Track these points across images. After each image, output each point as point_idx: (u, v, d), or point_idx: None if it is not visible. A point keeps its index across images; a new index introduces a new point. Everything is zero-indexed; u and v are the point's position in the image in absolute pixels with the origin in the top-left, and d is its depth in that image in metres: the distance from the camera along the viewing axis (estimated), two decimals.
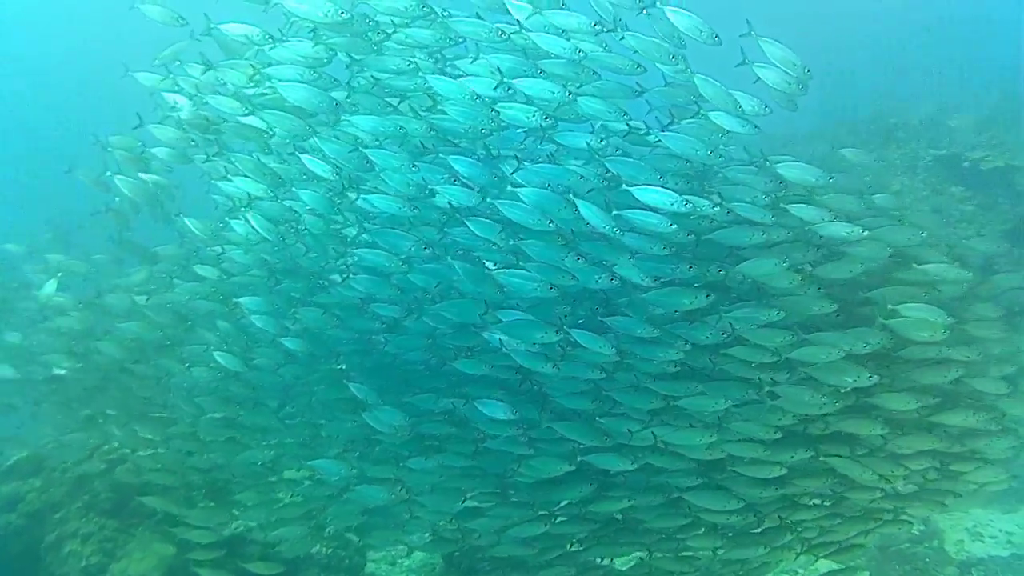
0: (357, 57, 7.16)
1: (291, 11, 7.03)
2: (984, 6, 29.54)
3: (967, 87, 17.51)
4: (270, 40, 7.24)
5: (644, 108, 7.10)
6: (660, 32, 6.71)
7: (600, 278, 6.55)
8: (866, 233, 6.91)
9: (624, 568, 8.23)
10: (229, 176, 7.70)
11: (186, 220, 8.51)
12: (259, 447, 8.21)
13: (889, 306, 6.89)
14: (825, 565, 10.55)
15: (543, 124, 6.73)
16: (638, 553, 8.10)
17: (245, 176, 7.63)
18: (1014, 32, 23.23)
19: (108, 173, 8.96)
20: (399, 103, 7.15)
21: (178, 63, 8.20)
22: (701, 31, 6.61)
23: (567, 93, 6.60)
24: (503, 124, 6.78)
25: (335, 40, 7.11)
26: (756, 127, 6.75)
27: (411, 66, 7.07)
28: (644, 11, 6.68)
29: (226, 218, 8.13)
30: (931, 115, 15.24)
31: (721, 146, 6.82)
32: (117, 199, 9.43)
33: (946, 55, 23.01)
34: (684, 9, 6.61)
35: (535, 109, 6.69)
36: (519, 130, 7.02)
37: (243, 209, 7.65)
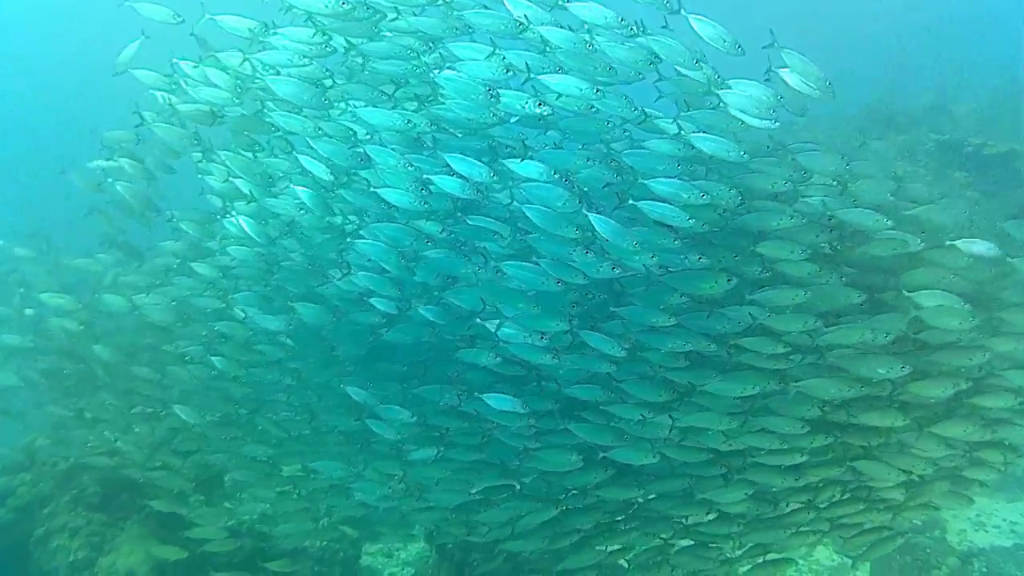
0: (356, 43, 6.95)
1: (291, 2, 6.78)
2: (984, 6, 29.46)
3: (966, 87, 17.39)
4: (264, 30, 7.06)
5: (653, 95, 6.94)
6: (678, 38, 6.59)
7: (602, 267, 6.38)
8: (909, 211, 6.92)
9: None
10: (229, 177, 7.58)
11: (181, 223, 8.37)
12: (257, 444, 8.10)
13: (906, 292, 6.74)
14: (825, 555, 10.44)
15: (539, 111, 6.52)
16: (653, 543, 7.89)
17: (237, 175, 7.50)
18: (1014, 32, 23.15)
19: (109, 180, 8.79)
20: (395, 91, 6.99)
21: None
22: (724, 40, 6.47)
23: (595, 89, 6.39)
24: (504, 114, 6.59)
25: (332, 27, 6.91)
26: (776, 121, 6.60)
27: (410, 54, 6.87)
28: (666, 22, 6.55)
29: (218, 216, 8.02)
30: (932, 102, 15.12)
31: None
32: (107, 201, 9.31)
33: (946, 55, 22.94)
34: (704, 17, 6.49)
35: (528, 96, 6.52)
36: (514, 120, 6.77)
37: (233, 209, 7.55)
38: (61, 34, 35.48)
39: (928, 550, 9.70)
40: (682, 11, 6.47)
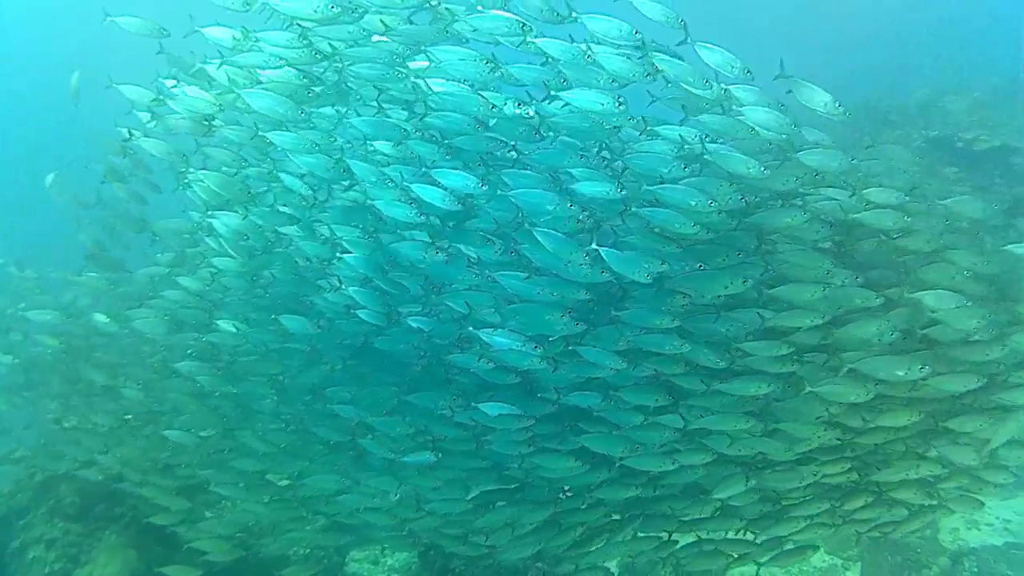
0: (341, 48, 6.78)
1: (279, 9, 6.58)
2: (984, 6, 29.29)
3: (966, 86, 17.32)
4: (244, 37, 6.92)
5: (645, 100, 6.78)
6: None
7: (593, 271, 6.22)
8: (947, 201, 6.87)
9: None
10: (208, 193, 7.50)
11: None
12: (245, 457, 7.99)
13: (908, 295, 6.64)
14: (817, 557, 10.36)
15: (519, 112, 6.39)
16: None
17: (216, 192, 7.43)
18: (1014, 32, 23.01)
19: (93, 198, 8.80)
20: (378, 95, 6.81)
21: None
22: (733, 67, 6.39)
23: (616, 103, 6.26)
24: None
25: (318, 31, 6.75)
26: (786, 134, 6.49)
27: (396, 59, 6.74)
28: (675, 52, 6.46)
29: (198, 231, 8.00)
30: (925, 98, 15.00)
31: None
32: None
33: (946, 55, 22.85)
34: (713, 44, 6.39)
35: (508, 96, 6.41)
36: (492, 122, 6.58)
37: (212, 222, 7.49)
38: (61, 34, 35.38)
39: (919, 550, 9.61)
40: (688, 39, 6.36)
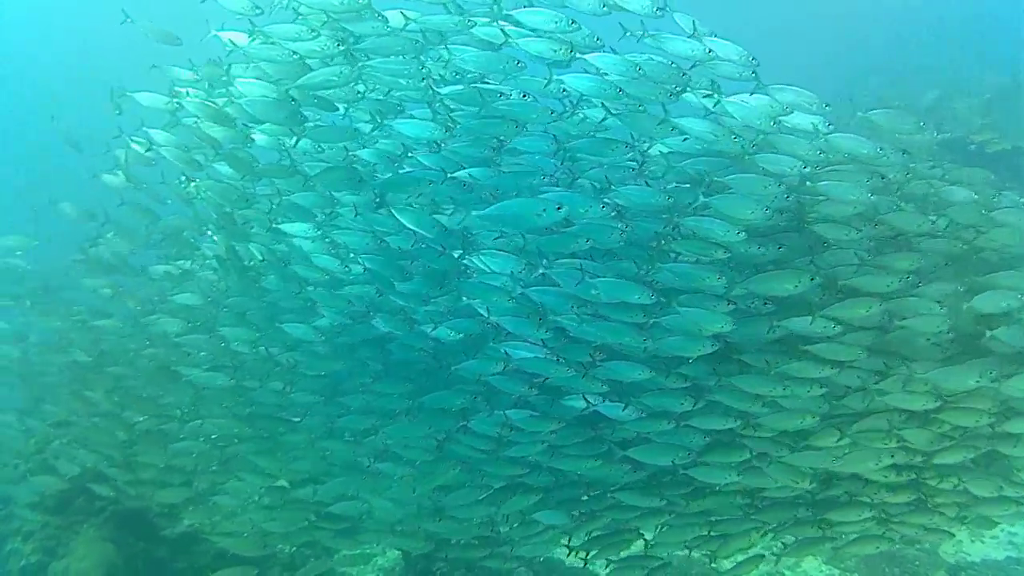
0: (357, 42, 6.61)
1: (305, 1, 6.44)
2: (984, 6, 29.18)
3: (967, 86, 17.20)
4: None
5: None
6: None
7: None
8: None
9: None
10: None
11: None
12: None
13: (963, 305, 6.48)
14: (814, 566, 10.19)
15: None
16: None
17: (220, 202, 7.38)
18: (1014, 32, 22.87)
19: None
20: (388, 92, 6.71)
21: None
22: (811, 103, 6.42)
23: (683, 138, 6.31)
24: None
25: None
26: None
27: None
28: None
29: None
30: (934, 101, 14.84)
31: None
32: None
33: (946, 55, 22.76)
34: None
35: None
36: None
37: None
38: (61, 34, 35.62)
39: (917, 562, 9.42)
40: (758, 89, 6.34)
